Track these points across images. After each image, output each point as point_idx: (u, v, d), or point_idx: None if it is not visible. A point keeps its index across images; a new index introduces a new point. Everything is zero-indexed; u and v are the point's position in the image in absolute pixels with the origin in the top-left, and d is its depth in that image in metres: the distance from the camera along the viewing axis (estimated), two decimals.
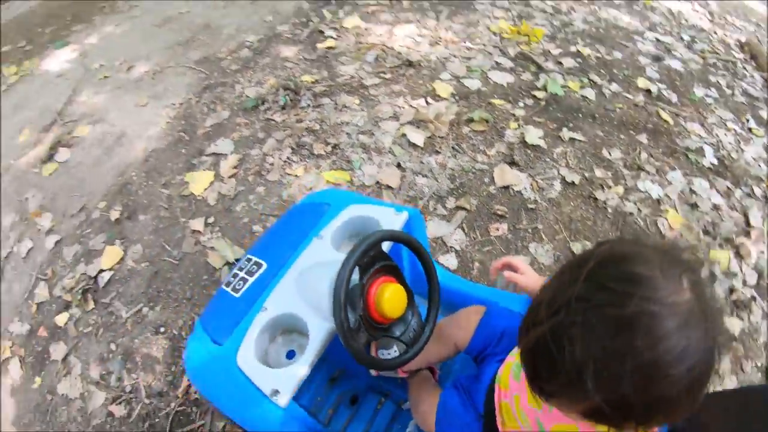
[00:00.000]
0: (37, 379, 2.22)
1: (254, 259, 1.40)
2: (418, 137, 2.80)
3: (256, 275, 1.35)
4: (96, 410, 2.06)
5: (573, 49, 3.68)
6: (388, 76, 3.30)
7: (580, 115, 3.09)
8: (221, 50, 3.79)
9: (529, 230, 2.42)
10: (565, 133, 2.92)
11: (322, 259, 1.29)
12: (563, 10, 4.21)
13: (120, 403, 2.05)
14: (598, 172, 2.71)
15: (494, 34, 3.76)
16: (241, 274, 1.38)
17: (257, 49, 3.75)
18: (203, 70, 3.60)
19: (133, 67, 3.78)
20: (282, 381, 1.12)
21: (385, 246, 1.18)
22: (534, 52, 3.58)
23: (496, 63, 3.45)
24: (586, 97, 3.24)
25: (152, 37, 4.16)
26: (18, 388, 2.24)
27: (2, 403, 2.21)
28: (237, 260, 2.29)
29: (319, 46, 3.66)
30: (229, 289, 1.36)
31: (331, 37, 3.74)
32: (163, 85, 3.53)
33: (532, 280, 1.30)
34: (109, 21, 4.66)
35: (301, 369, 1.13)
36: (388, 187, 2.59)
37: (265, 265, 1.36)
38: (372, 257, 1.11)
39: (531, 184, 2.61)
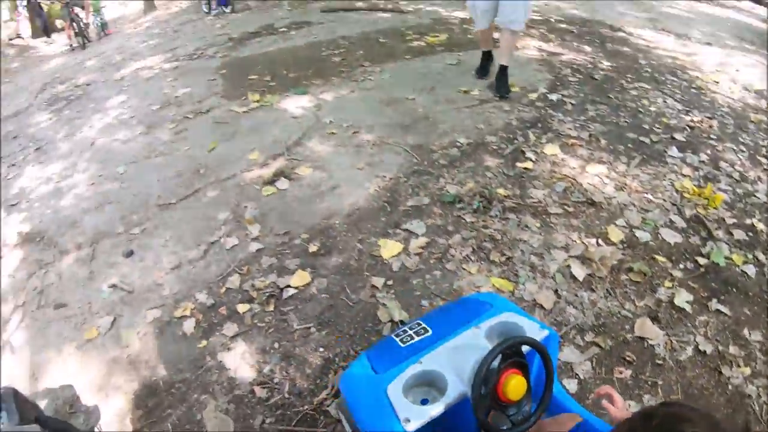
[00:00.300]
0: (204, 342, 2.77)
1: (423, 324, 1.83)
2: (580, 272, 3.03)
3: (421, 337, 1.76)
4: (242, 384, 2.54)
5: (748, 221, 3.69)
6: (570, 209, 3.53)
7: (734, 290, 3.12)
8: (434, 143, 4.23)
9: (649, 382, 2.54)
10: (714, 304, 2.97)
11: (475, 342, 1.63)
12: (750, 178, 4.23)
13: (264, 387, 2.50)
14: (732, 349, 2.76)
15: (676, 191, 3.87)
16: (410, 332, 1.80)
17: (465, 151, 4.13)
18: (416, 156, 4.07)
19: (357, 133, 4.39)
20: (415, 414, 1.44)
21: (524, 348, 1.47)
22: (709, 217, 3.62)
23: (670, 221, 3.56)
24: (746, 273, 3.24)
25: (379, 112, 4.76)
26: (184, 340, 2.81)
27: (165, 344, 2.81)
28: (402, 321, 2.70)
29: (518, 164, 3.95)
30: (397, 339, 1.79)
31: (530, 159, 4.02)
32: (380, 157, 4.07)
33: (620, 414, 1.53)
34: (345, 85, 5.40)
35: (433, 410, 1.44)
36: (541, 307, 2.85)
37: (430, 332, 1.77)
38: (512, 352, 1.41)
39: (665, 343, 2.74)
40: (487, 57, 5.35)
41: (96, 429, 2.42)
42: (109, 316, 3.12)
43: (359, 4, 9.73)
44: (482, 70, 5.43)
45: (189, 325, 2.89)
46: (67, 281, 3.56)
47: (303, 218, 3.51)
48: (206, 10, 12.35)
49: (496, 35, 5.19)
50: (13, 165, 6.02)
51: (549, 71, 5.62)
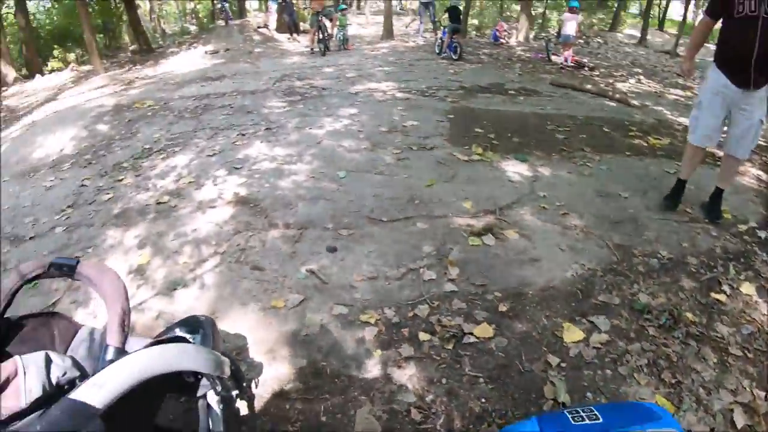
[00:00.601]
0: (379, 351, 2.96)
1: (595, 412, 1.91)
2: (740, 419, 2.85)
3: (593, 422, 1.85)
4: (401, 401, 2.68)
5: None
6: (750, 355, 3.34)
7: None
8: (637, 248, 4.16)
9: None
10: None
11: None
12: None
13: (421, 412, 2.61)
14: None
15: None
16: (582, 414, 1.89)
17: (665, 265, 4.01)
18: (616, 255, 4.02)
19: (567, 215, 4.42)
20: None
21: None
22: None
23: None
24: None
25: (590, 201, 4.75)
26: (362, 343, 3.02)
27: (343, 339, 3.00)
28: (564, 404, 2.71)
29: (712, 294, 3.78)
30: (569, 416, 1.87)
31: (725, 293, 3.83)
32: (583, 245, 4.07)
33: None
34: (563, 165, 5.46)
35: None
36: None
37: (600, 420, 1.86)
38: None
39: None
40: (682, 187, 4.85)
41: (254, 381, 2.68)
42: (299, 295, 3.41)
43: (588, 87, 9.80)
44: (672, 200, 4.86)
45: (370, 332, 3.09)
46: (269, 250, 3.95)
47: (500, 277, 3.61)
48: (437, 51, 13.00)
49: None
50: (242, 135, 6.68)
51: (764, 205, 5.40)
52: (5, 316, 1.60)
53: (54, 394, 1.22)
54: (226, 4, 20.28)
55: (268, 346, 3.04)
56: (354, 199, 4.55)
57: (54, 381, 1.26)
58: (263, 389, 2.74)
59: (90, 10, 18.44)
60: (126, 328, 1.41)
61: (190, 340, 1.65)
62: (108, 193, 5.54)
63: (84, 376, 1.32)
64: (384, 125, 6.52)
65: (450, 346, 3.03)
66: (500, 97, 8.14)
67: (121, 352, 1.35)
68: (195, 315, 1.81)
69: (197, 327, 1.73)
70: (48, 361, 1.28)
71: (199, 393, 1.50)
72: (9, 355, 1.47)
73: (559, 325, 3.27)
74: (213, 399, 1.51)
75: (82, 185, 6.01)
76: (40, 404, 1.19)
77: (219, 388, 1.54)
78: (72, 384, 1.28)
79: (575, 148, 6.10)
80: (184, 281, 3.72)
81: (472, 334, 3.11)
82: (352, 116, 7.11)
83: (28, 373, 1.21)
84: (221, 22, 23.45)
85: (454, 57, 12.39)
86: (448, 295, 3.40)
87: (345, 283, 3.53)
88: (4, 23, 18.94)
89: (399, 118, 6.78)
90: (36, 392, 1.20)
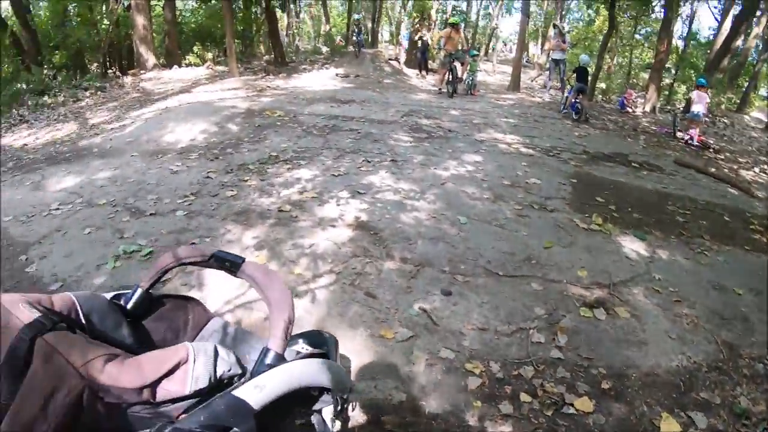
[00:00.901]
0: (478, 403, 3.02)
1: None
2: None
3: None
4: None
5: None
6: None
7: None
8: (745, 350, 3.99)
9: None
10: None
11: None
12: None
13: None
14: None
15: None
16: None
17: None
18: (723, 353, 3.89)
19: (680, 303, 4.35)
20: None
21: None
22: None
23: None
24: None
25: (705, 293, 4.61)
26: (463, 391, 3.10)
27: (444, 383, 3.02)
28: None
29: None
30: None
31: None
32: (692, 337, 3.98)
33: None
34: (681, 250, 5.33)
35: None
36: None
37: None
38: None
39: None
40: None
41: (352, 403, 2.82)
42: (409, 331, 3.58)
43: (712, 170, 9.57)
44: None
45: (473, 382, 3.20)
46: (383, 280, 4.15)
47: (606, 354, 3.64)
48: (562, 110, 13.06)
49: None
50: (368, 161, 6.96)
51: None
52: (150, 290, 1.71)
53: (215, 386, 1.33)
54: (362, 36, 20.97)
55: (371, 373, 3.20)
56: (472, 247, 4.70)
57: (218, 374, 1.35)
58: (359, 413, 2.89)
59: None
60: (288, 337, 1.47)
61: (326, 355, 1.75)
62: (232, 190, 5.93)
63: (243, 374, 1.42)
64: (507, 178, 6.65)
65: (549, 413, 3.09)
66: (623, 168, 8.10)
67: (281, 358, 1.41)
68: (320, 330, 1.90)
69: (321, 343, 1.83)
70: (216, 354, 1.37)
71: (316, 406, 1.59)
72: (144, 328, 1.68)
73: (658, 414, 3.27)
74: (328, 415, 1.64)
75: (207, 177, 6.45)
76: (199, 393, 1.29)
77: (339, 407, 1.69)
78: (231, 380, 1.39)
79: (694, 233, 6.02)
80: (297, 292, 3.95)
81: (572, 405, 3.16)
82: (476, 163, 7.28)
83: (197, 362, 1.31)
84: (352, 48, 24.17)
85: (575, 117, 12.41)
86: (554, 362, 3.47)
87: (455, 328, 3.66)
88: (152, 14, 20.30)
89: (522, 174, 6.89)
90: (202, 382, 1.29)
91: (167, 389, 1.24)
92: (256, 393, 1.26)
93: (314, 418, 1.61)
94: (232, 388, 1.29)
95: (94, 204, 5.83)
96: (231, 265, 1.61)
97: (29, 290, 4.03)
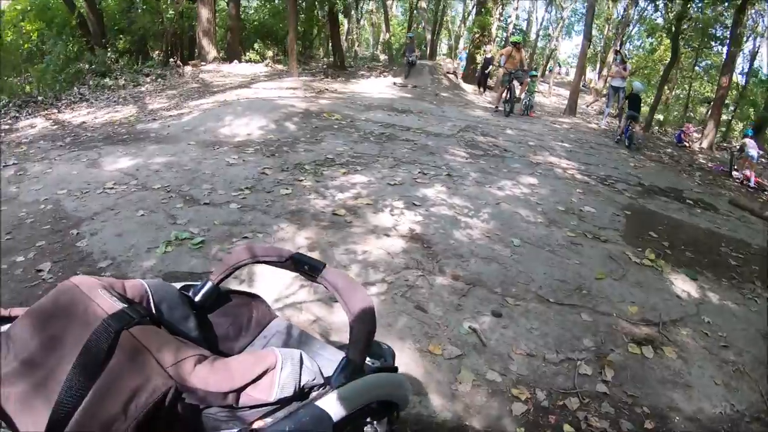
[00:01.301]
0: (521, 430, 3.11)
1: None
2: None
3: None
4: None
5: None
6: None
7: None
8: None
9: None
10: None
11: None
12: None
13: None
14: None
15: None
16: None
17: None
18: (767, 405, 3.85)
19: (727, 348, 4.27)
20: None
21: None
22: None
23: None
24: None
25: (752, 341, 4.51)
26: (507, 416, 3.12)
27: (487, 405, 3.17)
28: None
29: None
30: None
31: None
32: (736, 384, 3.91)
33: None
34: (732, 294, 5.21)
35: None
36: None
37: None
38: None
39: None
40: None
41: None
42: (457, 349, 3.62)
43: (766, 214, 9.43)
44: None
45: (518, 408, 3.21)
46: (434, 295, 4.20)
47: (652, 393, 3.62)
48: (616, 137, 13.01)
49: None
50: (424, 173, 7.03)
51: None
52: (218, 285, 1.70)
53: (297, 395, 1.31)
54: (414, 56, 20.95)
55: (416, 388, 3.24)
56: (524, 270, 4.73)
57: (302, 383, 1.32)
58: (401, 426, 2.91)
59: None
60: (369, 349, 1.46)
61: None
62: (287, 189, 6.07)
63: (324, 385, 1.38)
64: (561, 204, 6.65)
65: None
66: (677, 204, 8.01)
67: (360, 371, 1.40)
68: (377, 341, 1.82)
69: (380, 354, 1.86)
70: (301, 362, 1.33)
71: (370, 419, 1.58)
72: (208, 322, 1.69)
73: None
74: (382, 428, 1.65)
75: (263, 173, 6.60)
76: (281, 401, 1.27)
77: (394, 421, 1.72)
78: (311, 389, 1.36)
79: (746, 278, 5.93)
80: None
81: None
82: (531, 186, 7.30)
83: (284, 369, 1.27)
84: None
85: (626, 143, 12.42)
86: (600, 396, 3.47)
87: (503, 351, 3.70)
88: (217, 8, 20.85)
89: (577, 201, 6.88)
90: (287, 391, 1.26)
91: (252, 395, 1.22)
92: (337, 405, 1.27)
93: (368, 429, 1.60)
94: (313, 399, 1.30)
95: (148, 187, 6.03)
96: (310, 269, 1.59)
97: (78, 266, 4.21)
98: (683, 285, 5.16)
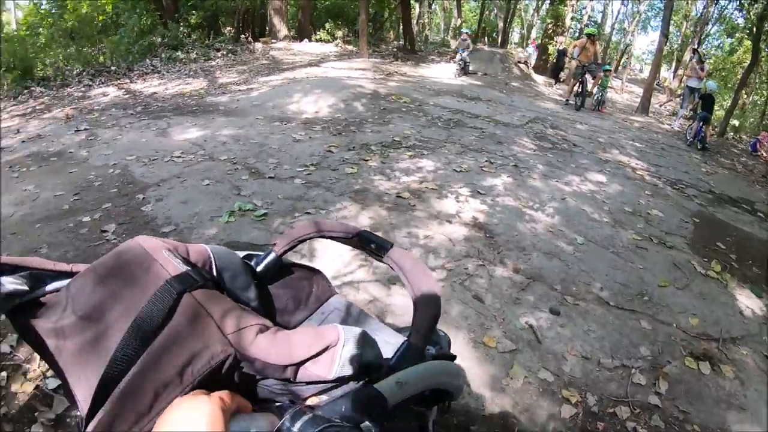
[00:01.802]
0: None
1: None
2: None
3: None
4: None
5: None
6: None
7: None
8: None
9: None
10: None
11: None
12: None
13: None
14: None
15: None
16: None
17: None
18: None
19: None
20: None
21: None
22: None
23: None
24: None
25: None
26: (556, 417, 3.08)
27: (539, 403, 3.16)
28: None
29: None
30: None
31: None
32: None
33: None
34: None
35: None
36: None
37: None
38: None
39: None
40: None
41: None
42: (512, 343, 3.61)
43: None
44: None
45: (567, 410, 3.19)
46: (493, 287, 4.19)
47: (704, 411, 3.48)
48: (688, 139, 12.60)
49: None
50: (491, 162, 7.07)
51: None
52: (281, 257, 1.67)
53: (356, 375, 1.26)
54: (466, 55, 20.65)
55: (465, 378, 3.23)
56: (586, 270, 4.67)
57: (363, 362, 1.25)
58: (449, 415, 2.93)
59: None
60: (431, 335, 1.42)
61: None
62: (352, 168, 6.13)
63: (383, 367, 1.32)
64: (628, 205, 6.52)
65: None
66: (748, 217, 7.74)
67: (421, 356, 1.36)
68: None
69: (436, 341, 1.79)
70: (363, 341, 1.27)
71: (421, 407, 1.53)
72: (268, 293, 1.65)
73: None
74: (431, 416, 1.59)
75: (329, 150, 6.70)
76: (340, 380, 1.21)
77: (445, 410, 1.70)
78: (369, 370, 1.31)
79: None
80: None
81: None
82: (599, 183, 7.18)
83: (346, 347, 1.21)
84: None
85: (698, 146, 12.14)
86: (651, 408, 3.39)
87: (558, 350, 3.67)
88: None
89: (644, 203, 6.73)
90: (347, 370, 1.20)
91: (311, 371, 1.16)
92: (396, 389, 1.23)
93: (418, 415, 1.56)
94: (371, 380, 1.25)
95: (215, 158, 6.18)
96: (377, 248, 1.56)
97: (142, 229, 4.35)
98: (747, 301, 5.01)
